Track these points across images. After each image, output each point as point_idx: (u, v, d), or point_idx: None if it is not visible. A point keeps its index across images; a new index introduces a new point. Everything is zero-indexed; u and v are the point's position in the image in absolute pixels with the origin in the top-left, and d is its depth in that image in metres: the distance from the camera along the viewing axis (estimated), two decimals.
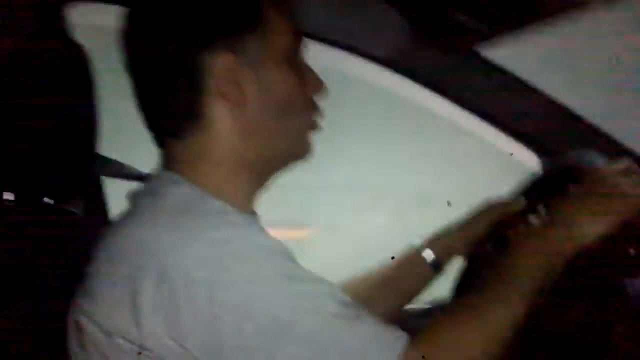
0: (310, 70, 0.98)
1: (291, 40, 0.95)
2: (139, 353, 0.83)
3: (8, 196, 1.07)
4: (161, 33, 0.91)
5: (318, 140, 0.99)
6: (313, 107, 0.98)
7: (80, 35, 1.18)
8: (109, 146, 1.20)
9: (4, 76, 1.06)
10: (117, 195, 1.15)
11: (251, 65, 0.91)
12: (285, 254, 0.86)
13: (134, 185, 0.98)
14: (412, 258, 1.20)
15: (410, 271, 1.20)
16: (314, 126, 0.98)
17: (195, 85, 0.90)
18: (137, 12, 0.93)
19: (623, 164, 1.00)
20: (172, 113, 0.92)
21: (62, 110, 1.06)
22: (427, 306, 1.38)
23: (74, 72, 1.08)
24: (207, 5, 0.90)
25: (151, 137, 0.96)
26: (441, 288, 1.24)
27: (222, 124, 0.91)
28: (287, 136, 0.95)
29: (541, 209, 1.10)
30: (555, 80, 1.64)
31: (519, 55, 1.56)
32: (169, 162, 0.94)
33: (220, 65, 0.90)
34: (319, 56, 1.01)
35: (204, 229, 0.84)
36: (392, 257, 1.20)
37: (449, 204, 1.62)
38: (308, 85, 0.96)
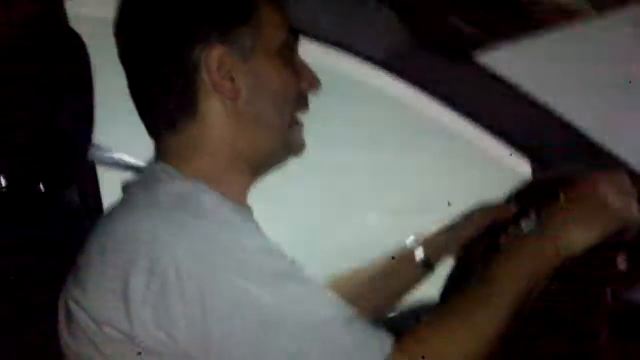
0: (305, 65, 0.98)
1: (285, 34, 0.95)
2: (139, 353, 0.83)
3: (0, 182, 1.07)
4: (154, 25, 0.91)
5: (311, 138, 0.99)
6: (304, 103, 0.98)
7: (78, 26, 1.19)
8: (104, 136, 1.20)
9: (1, 63, 1.06)
10: (110, 184, 1.15)
11: (244, 58, 0.92)
12: (275, 251, 0.87)
13: (128, 175, 0.98)
14: (403, 256, 1.21)
15: (401, 269, 1.21)
16: (301, 122, 0.99)
17: (188, 78, 0.91)
18: (131, 4, 0.94)
19: (614, 174, 1.00)
20: (165, 105, 0.92)
21: (59, 98, 1.07)
22: (415, 306, 1.38)
23: (71, 61, 1.09)
24: (188, 3, 0.91)
25: (146, 128, 0.96)
26: (431, 288, 1.25)
27: (216, 117, 0.92)
28: (278, 129, 0.96)
29: (532, 214, 1.11)
30: (550, 88, 1.65)
31: (514, 61, 1.57)
32: (163, 153, 0.95)
33: (212, 58, 0.90)
34: (314, 54, 1.02)
35: (196, 223, 0.85)
36: (393, 257, 1.21)
37: (449, 204, 1.63)
38: (302, 79, 0.97)
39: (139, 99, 0.95)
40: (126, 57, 0.94)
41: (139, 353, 0.84)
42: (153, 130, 0.96)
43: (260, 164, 0.97)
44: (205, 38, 0.90)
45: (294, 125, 0.98)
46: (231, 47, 0.91)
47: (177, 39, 0.90)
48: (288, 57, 0.96)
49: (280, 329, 0.81)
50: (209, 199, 0.88)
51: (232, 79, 0.91)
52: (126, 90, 0.97)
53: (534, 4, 1.28)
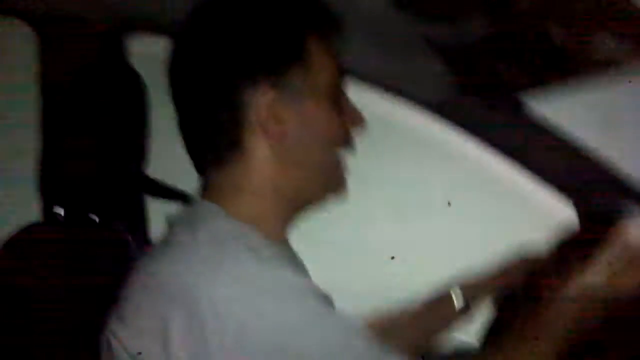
0: (351, 104, 0.98)
1: (334, 76, 0.95)
2: None
3: (58, 211, 1.11)
4: (206, 65, 0.92)
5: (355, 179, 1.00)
6: (350, 143, 0.98)
7: (138, 64, 1.23)
8: (156, 168, 1.23)
9: (66, 97, 1.11)
10: (159, 213, 1.18)
11: (293, 100, 0.92)
12: (314, 292, 0.86)
13: (176, 206, 1.00)
14: (442, 297, 1.20)
15: (439, 310, 1.20)
16: (346, 163, 0.98)
17: (237, 118, 0.91)
18: (184, 44, 0.95)
19: None
20: (212, 143, 0.93)
21: (116, 136, 1.10)
22: (453, 349, 1.37)
23: (130, 97, 1.13)
24: (251, 40, 0.91)
25: (193, 165, 0.97)
26: (468, 332, 1.24)
27: (261, 157, 0.92)
28: (324, 171, 0.96)
29: (575, 262, 1.10)
30: (598, 136, 1.64)
31: (562, 109, 1.57)
32: (207, 189, 0.95)
33: (262, 101, 0.90)
34: (361, 97, 1.02)
35: (236, 265, 0.85)
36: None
37: (449, 204, 1.61)
38: (348, 120, 0.97)
39: (187, 135, 0.96)
40: (176, 95, 0.96)
41: None
42: (199, 167, 0.97)
43: (303, 205, 0.97)
44: (256, 81, 0.91)
45: (339, 167, 0.98)
46: (280, 89, 0.91)
47: (228, 80, 0.91)
48: (337, 97, 0.96)
49: None
50: (248, 240, 0.89)
51: (279, 121, 0.92)
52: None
53: (583, 52, 1.28)
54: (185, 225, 0.92)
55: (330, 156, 0.96)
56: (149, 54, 1.36)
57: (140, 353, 0.85)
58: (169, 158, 1.36)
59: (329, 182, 0.97)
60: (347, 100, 0.98)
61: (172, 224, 0.95)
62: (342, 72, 0.97)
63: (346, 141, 0.97)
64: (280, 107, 0.91)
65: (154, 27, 1.35)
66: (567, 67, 1.35)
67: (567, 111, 1.60)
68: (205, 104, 0.92)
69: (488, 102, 1.55)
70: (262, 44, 0.92)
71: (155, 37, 1.35)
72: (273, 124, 0.91)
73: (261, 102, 0.91)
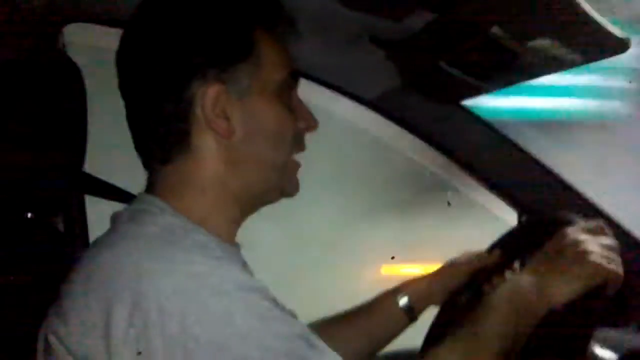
0: (302, 105, 0.98)
1: (283, 73, 0.94)
2: None
3: None
4: (153, 58, 0.91)
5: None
6: (299, 143, 0.98)
7: (74, 54, 1.20)
8: (94, 164, 1.20)
9: None
10: (98, 213, 1.15)
11: (240, 96, 0.91)
12: (262, 292, 0.85)
13: (116, 204, 0.98)
14: (387, 303, 1.21)
15: (384, 315, 1.20)
16: (297, 163, 0.98)
17: (184, 113, 0.90)
18: (133, 35, 0.94)
19: (598, 226, 1.01)
20: (159, 138, 0.92)
21: (52, 126, 1.07)
22: (396, 353, 1.38)
23: (66, 89, 1.09)
24: (199, 34, 0.90)
25: (140, 159, 0.96)
26: (413, 336, 1.24)
27: (209, 153, 0.91)
28: (273, 169, 0.95)
29: (517, 264, 1.11)
30: (538, 138, 1.67)
31: (504, 110, 1.60)
32: (154, 186, 0.94)
33: (209, 96, 0.89)
34: (306, 93, 1.02)
35: (183, 261, 0.83)
36: (376, 303, 1.20)
37: (449, 204, 1.63)
38: (299, 119, 0.96)
39: (135, 129, 0.95)
40: (125, 88, 0.94)
41: None
42: (146, 161, 0.95)
43: (251, 203, 0.96)
44: (202, 75, 0.90)
45: (290, 165, 0.97)
46: (228, 85, 0.90)
47: (175, 74, 0.90)
48: (286, 96, 0.95)
49: None
50: (198, 236, 0.87)
51: (227, 118, 0.90)
52: (119, 120, 0.97)
53: (525, 54, 1.30)
54: (130, 220, 0.90)
55: (280, 155, 0.95)
56: (86, 44, 1.33)
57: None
58: (107, 153, 1.33)
59: (278, 181, 0.96)
60: (297, 99, 0.98)
61: (116, 218, 0.93)
62: (293, 69, 0.96)
63: (296, 140, 0.97)
64: (227, 103, 0.90)
65: (92, 16, 1.32)
66: (509, 66, 1.37)
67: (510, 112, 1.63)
68: (153, 97, 0.91)
69: (428, 99, 1.56)
70: (210, 37, 0.91)
71: (94, 26, 1.32)
72: (220, 119, 0.90)
73: (207, 96, 0.90)
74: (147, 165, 0.95)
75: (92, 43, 1.33)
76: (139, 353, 0.79)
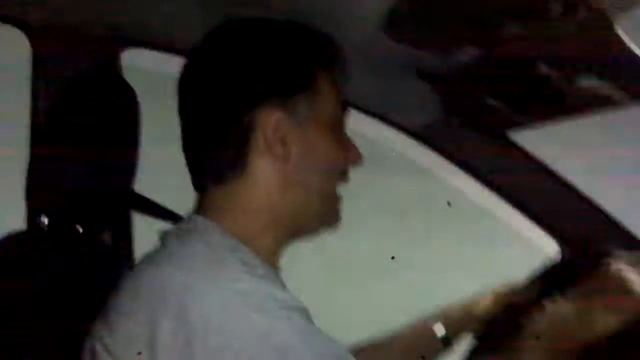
0: (350, 140, 1.01)
1: (337, 108, 0.98)
2: None
3: (43, 220, 1.11)
4: (221, 84, 0.94)
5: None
6: (345, 176, 1.00)
7: (131, 78, 1.23)
8: (144, 184, 1.24)
9: (57, 106, 1.11)
10: (145, 231, 1.18)
11: (299, 125, 0.94)
12: (303, 311, 0.87)
13: (162, 223, 1.01)
14: (423, 330, 1.21)
15: (420, 343, 1.21)
16: (341, 196, 1.00)
17: (244, 136, 0.93)
18: (200, 63, 0.97)
19: (638, 257, 1.01)
20: (217, 160, 0.94)
21: (106, 146, 1.11)
22: None
23: (121, 111, 1.13)
24: (265, 63, 0.94)
25: (193, 180, 0.99)
26: None
27: (263, 176, 0.94)
28: (322, 199, 0.98)
29: (556, 297, 1.10)
30: (581, 171, 1.66)
31: (548, 142, 1.59)
32: (205, 206, 0.96)
33: (271, 122, 0.93)
34: (354, 123, 1.04)
35: (228, 279, 0.86)
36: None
37: (449, 204, 1.61)
38: (346, 153, 0.99)
39: (192, 151, 0.98)
40: (187, 110, 0.98)
41: None
42: (199, 183, 0.98)
43: (297, 230, 0.98)
44: (266, 101, 0.93)
45: (334, 197, 1.00)
46: (288, 112, 0.94)
47: (240, 99, 0.94)
48: (339, 130, 0.99)
49: None
50: (243, 255, 0.90)
51: (285, 143, 0.94)
52: (170, 143, 1.00)
53: (572, 89, 1.30)
54: (179, 238, 0.93)
55: (328, 185, 0.98)
56: (142, 68, 1.37)
57: None
58: (157, 173, 1.36)
59: (324, 211, 0.99)
60: (346, 134, 1.01)
61: (165, 237, 0.96)
62: (345, 105, 1.00)
63: (343, 173, 1.00)
64: (286, 129, 0.94)
65: (149, 42, 1.36)
66: (554, 102, 1.37)
67: (554, 146, 1.62)
68: (216, 120, 0.95)
69: (474, 132, 1.57)
70: (276, 68, 0.95)
71: (150, 52, 1.36)
72: (278, 144, 0.94)
73: (270, 122, 0.93)
74: (198, 186, 0.98)
75: (147, 67, 1.36)
76: None
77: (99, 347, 0.90)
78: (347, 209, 1.01)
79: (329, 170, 0.97)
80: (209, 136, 0.95)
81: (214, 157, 0.95)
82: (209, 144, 0.95)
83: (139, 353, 0.83)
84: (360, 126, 1.46)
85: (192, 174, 0.98)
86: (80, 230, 1.14)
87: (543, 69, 1.21)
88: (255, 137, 0.93)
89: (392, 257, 2.20)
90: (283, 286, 0.93)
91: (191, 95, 0.97)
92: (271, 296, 0.86)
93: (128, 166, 1.13)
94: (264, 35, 0.97)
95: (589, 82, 1.24)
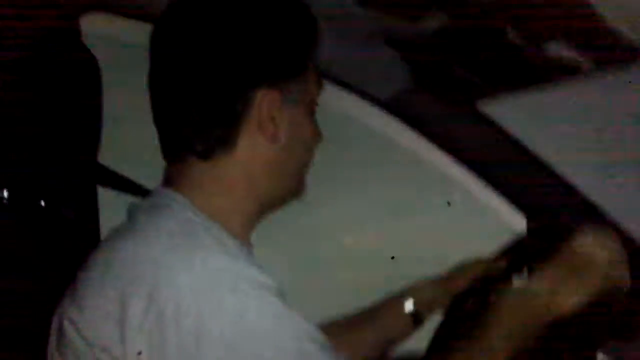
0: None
1: (318, 89, 1.00)
2: None
3: (2, 194, 1.08)
4: (224, 58, 0.93)
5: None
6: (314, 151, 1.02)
7: (91, 45, 1.20)
8: (107, 156, 1.21)
9: (12, 77, 1.07)
10: (109, 204, 1.15)
11: (290, 107, 0.95)
12: (274, 290, 0.86)
13: (127, 196, 0.99)
14: (393, 307, 1.21)
15: (390, 320, 1.21)
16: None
17: (238, 115, 0.93)
18: (196, 34, 0.94)
19: (606, 233, 1.01)
20: (206, 136, 0.93)
21: (66, 115, 1.08)
22: (399, 357, 1.38)
23: (81, 77, 1.10)
24: (266, 44, 0.94)
25: (168, 153, 0.96)
26: (417, 341, 1.24)
27: (250, 155, 0.94)
28: (296, 177, 0.99)
29: (524, 271, 1.11)
30: (548, 142, 1.67)
31: (515, 113, 1.59)
32: (176, 180, 0.95)
33: (267, 100, 0.93)
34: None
35: (200, 256, 0.84)
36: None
37: (448, 204, 1.62)
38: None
39: (171, 123, 0.95)
40: (165, 82, 0.95)
41: None
42: (177, 156, 0.95)
43: (270, 206, 0.99)
44: (266, 81, 0.94)
45: (306, 172, 1.01)
46: (284, 94, 0.95)
47: (242, 76, 0.93)
48: (314, 110, 1.00)
49: None
50: (216, 232, 0.89)
51: (276, 124, 0.94)
52: (132, 112, 0.97)
53: (538, 59, 1.30)
54: (149, 213, 0.92)
55: (306, 163, 1.00)
56: (103, 35, 1.33)
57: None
58: (121, 145, 1.33)
59: (296, 188, 1.01)
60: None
61: (133, 211, 0.94)
62: (321, 85, 1.01)
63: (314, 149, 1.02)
64: (279, 111, 0.95)
65: (110, 6, 1.32)
66: (522, 69, 1.37)
67: (521, 116, 1.62)
68: (210, 95, 0.93)
69: (442, 100, 1.56)
70: (276, 49, 0.95)
71: (111, 17, 1.32)
72: (270, 124, 0.94)
73: (266, 100, 0.94)
74: (173, 159, 0.96)
75: (108, 34, 1.33)
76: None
77: (66, 324, 0.88)
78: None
79: (309, 150, 1.00)
80: (200, 111, 0.93)
81: (204, 132, 0.93)
82: (198, 118, 0.93)
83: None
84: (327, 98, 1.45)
85: (168, 146, 0.96)
86: (43, 204, 1.11)
87: (511, 36, 1.20)
88: (249, 114, 0.93)
89: (392, 257, 2.22)
90: (255, 264, 0.92)
91: (176, 68, 0.94)
92: (243, 275, 0.85)
93: (91, 137, 1.11)
94: (263, 11, 0.96)
95: (556, 49, 1.24)
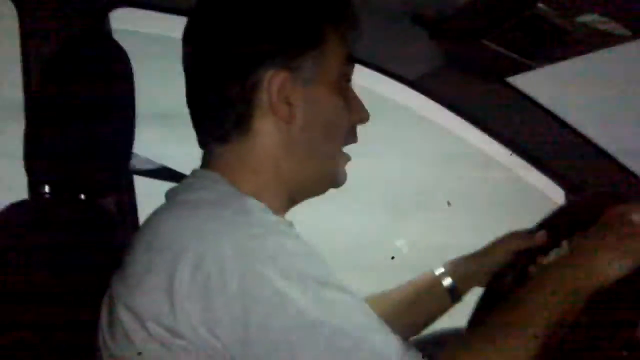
0: (356, 97, 1.00)
1: (344, 65, 0.97)
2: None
3: (44, 189, 1.11)
4: (225, 41, 0.93)
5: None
6: (352, 136, 1.00)
7: (121, 39, 1.22)
8: (143, 146, 1.23)
9: (47, 75, 1.10)
10: (148, 193, 1.17)
11: (304, 85, 0.94)
12: (318, 258, 0.87)
13: (165, 184, 1.00)
14: (431, 283, 1.20)
15: (428, 296, 1.20)
16: (348, 156, 1.00)
17: (248, 95, 0.93)
18: (203, 20, 0.96)
19: None
20: (221, 119, 0.94)
21: (101, 110, 1.10)
22: (440, 333, 1.37)
23: (114, 74, 1.12)
24: (272, 22, 0.93)
25: (197, 137, 0.98)
26: (457, 316, 1.24)
27: (267, 137, 0.94)
28: (326, 158, 0.97)
29: (564, 244, 1.09)
30: (586, 114, 1.64)
31: (548, 85, 1.57)
32: (209, 163, 0.96)
33: (275, 81, 0.92)
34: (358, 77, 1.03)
35: (243, 222, 0.86)
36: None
37: (448, 204, 1.61)
38: (353, 112, 0.98)
39: (196, 109, 0.97)
40: (191, 69, 0.97)
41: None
42: (203, 140, 0.98)
43: (300, 191, 0.98)
44: (271, 61, 0.92)
45: (340, 157, 0.99)
46: (294, 72, 0.93)
47: (245, 58, 0.93)
48: (343, 87, 0.97)
49: (317, 334, 0.82)
50: (253, 201, 0.90)
51: (289, 104, 0.93)
52: (166, 103, 0.99)
53: (574, 28, 1.28)
54: (186, 190, 0.94)
55: (333, 145, 0.98)
56: (132, 30, 1.35)
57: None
58: (154, 136, 1.35)
59: (329, 172, 0.99)
60: (353, 92, 1.00)
61: (171, 192, 0.96)
62: (352, 63, 0.98)
63: (349, 132, 0.99)
64: (291, 89, 0.93)
65: (138, 2, 1.34)
66: (553, 44, 1.34)
67: (554, 87, 1.60)
68: (220, 79, 0.94)
69: (472, 77, 1.55)
70: (282, 26, 0.94)
71: (140, 12, 1.34)
72: (283, 105, 0.93)
73: (274, 82, 0.93)
74: (203, 144, 0.98)
75: (137, 29, 1.34)
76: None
77: (116, 304, 0.89)
78: None
79: (334, 130, 0.97)
80: (214, 94, 0.94)
81: (217, 116, 0.94)
82: (213, 102, 0.94)
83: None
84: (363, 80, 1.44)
85: (196, 131, 0.98)
86: (83, 197, 1.13)
87: (542, 6, 1.18)
88: (259, 97, 0.93)
89: (392, 258, 2.21)
90: (296, 236, 0.92)
91: (197, 50, 0.96)
92: (285, 240, 0.86)
93: (125, 130, 1.12)
94: None
95: (589, 18, 1.21)
